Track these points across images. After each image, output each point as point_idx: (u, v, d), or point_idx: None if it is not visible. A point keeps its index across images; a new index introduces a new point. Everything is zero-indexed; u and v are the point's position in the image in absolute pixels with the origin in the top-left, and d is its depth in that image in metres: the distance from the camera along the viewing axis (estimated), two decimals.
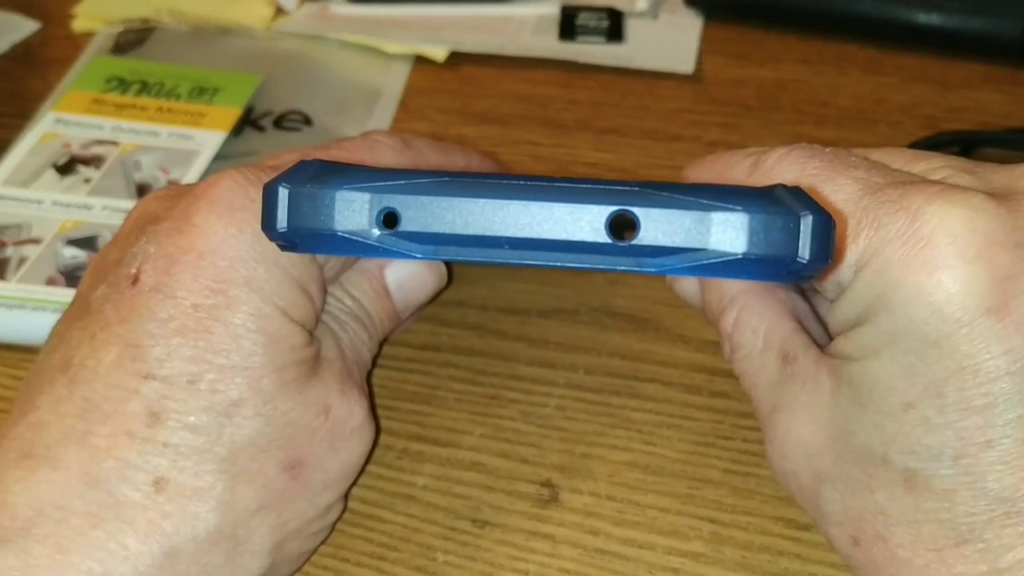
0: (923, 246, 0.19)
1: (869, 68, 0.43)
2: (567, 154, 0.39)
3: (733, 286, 0.26)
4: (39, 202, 0.36)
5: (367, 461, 0.26)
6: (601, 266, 0.19)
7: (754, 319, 0.25)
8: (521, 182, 0.18)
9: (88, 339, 0.22)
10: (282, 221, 0.19)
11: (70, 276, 0.33)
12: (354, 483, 0.26)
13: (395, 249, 0.18)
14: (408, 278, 0.28)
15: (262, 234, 0.22)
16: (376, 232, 0.18)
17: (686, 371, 0.30)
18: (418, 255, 0.19)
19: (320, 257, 0.24)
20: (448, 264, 0.29)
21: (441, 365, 0.31)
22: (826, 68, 0.43)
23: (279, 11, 0.48)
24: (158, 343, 0.21)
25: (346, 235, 0.18)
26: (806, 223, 0.18)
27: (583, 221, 0.18)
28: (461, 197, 0.18)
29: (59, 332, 0.24)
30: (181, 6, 0.47)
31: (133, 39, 0.46)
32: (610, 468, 0.28)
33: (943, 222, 0.19)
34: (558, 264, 0.19)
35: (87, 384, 0.22)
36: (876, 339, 0.20)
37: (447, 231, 0.18)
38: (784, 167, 0.23)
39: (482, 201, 0.18)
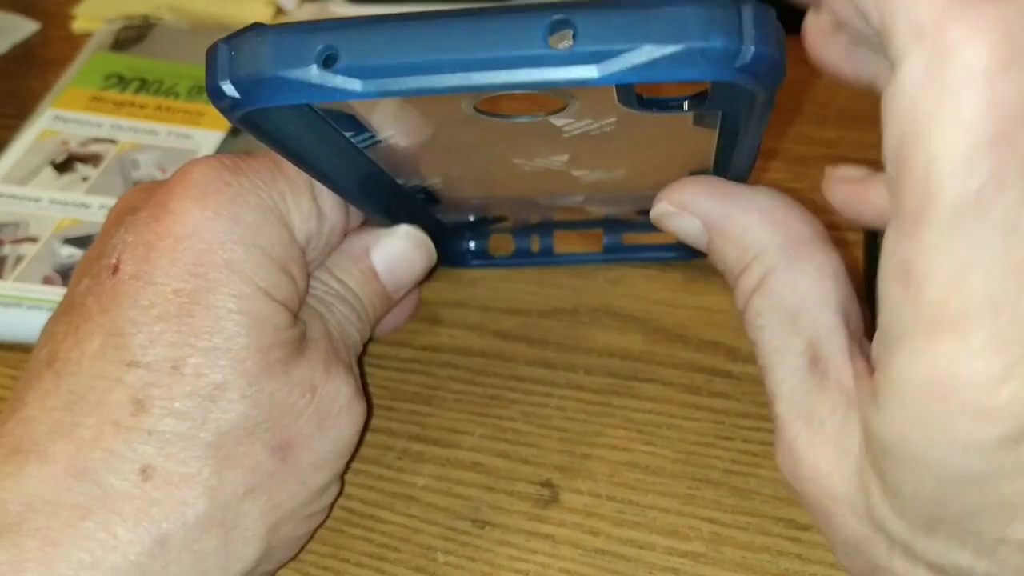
0: None
1: None
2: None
3: (760, 239, 0.22)
4: (36, 200, 0.36)
5: (360, 443, 0.26)
6: (546, 78, 0.18)
7: (784, 290, 0.21)
8: (457, 7, 0.19)
9: (72, 332, 0.22)
10: (224, 73, 0.19)
11: (66, 275, 0.33)
12: (348, 465, 0.26)
13: (338, 87, 0.18)
14: (395, 257, 0.27)
15: (240, 217, 0.22)
16: (316, 71, 0.18)
17: (686, 371, 0.30)
18: (360, 91, 0.18)
19: (302, 238, 0.24)
20: (439, 248, 0.29)
21: (441, 365, 0.31)
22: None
23: (279, 10, 0.48)
24: (140, 330, 0.21)
25: (287, 77, 0.18)
26: (747, 12, 0.18)
27: (523, 34, 0.18)
28: (398, 26, 0.18)
29: (48, 329, 0.24)
30: (181, 3, 0.47)
31: (133, 35, 0.46)
32: (610, 468, 0.28)
33: None
34: (501, 82, 0.18)
35: (72, 376, 0.22)
36: None
37: (388, 62, 0.18)
38: None
39: (420, 27, 0.18)
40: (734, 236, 0.22)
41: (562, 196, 0.30)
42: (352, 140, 0.23)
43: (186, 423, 0.21)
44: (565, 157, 0.25)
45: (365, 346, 0.28)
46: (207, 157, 0.23)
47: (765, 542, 0.26)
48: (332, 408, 0.24)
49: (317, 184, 0.24)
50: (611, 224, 0.33)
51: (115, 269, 0.22)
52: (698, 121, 0.22)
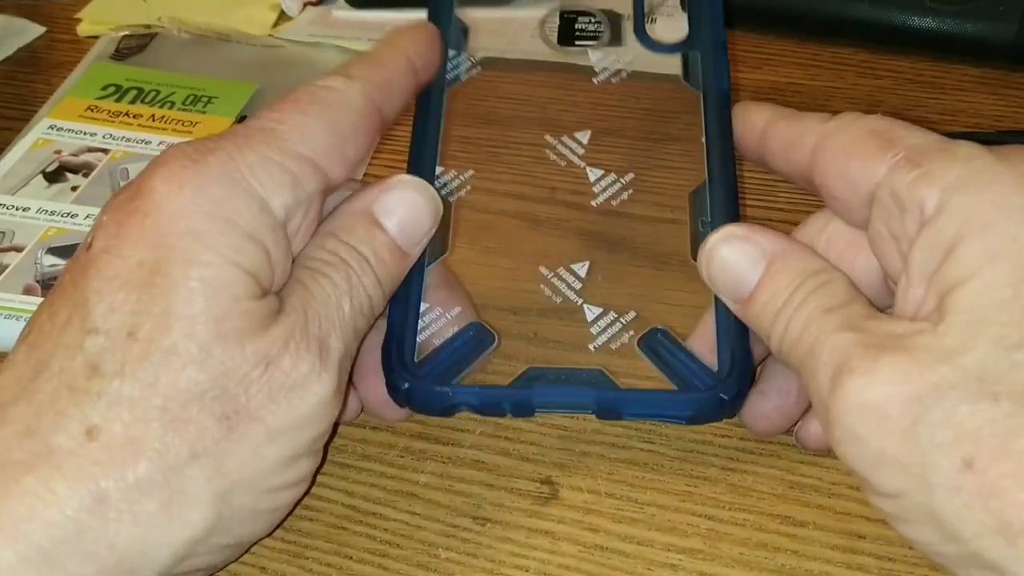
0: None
1: (864, 71, 0.44)
2: (566, 157, 0.40)
3: (818, 261, 0.25)
4: (25, 209, 0.36)
5: (336, 426, 0.26)
6: None
7: (839, 287, 0.24)
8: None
9: (47, 307, 0.23)
10: None
11: (47, 285, 0.33)
12: (328, 444, 0.25)
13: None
14: (400, 206, 0.26)
15: (205, 188, 0.23)
16: None
17: None
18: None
19: (278, 205, 0.24)
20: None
21: None
22: (821, 72, 0.44)
23: (281, 16, 0.48)
24: (103, 300, 0.22)
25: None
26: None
27: None
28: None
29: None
30: (183, 13, 0.48)
31: (134, 45, 0.47)
32: (609, 466, 0.28)
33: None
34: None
35: (41, 347, 0.22)
36: (973, 262, 0.21)
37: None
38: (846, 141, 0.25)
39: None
40: (794, 262, 0.25)
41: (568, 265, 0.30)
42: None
43: (135, 386, 0.22)
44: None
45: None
46: (179, 143, 0.24)
47: (762, 538, 0.26)
48: (287, 379, 0.23)
49: (291, 153, 0.24)
50: (602, 408, 0.27)
51: (89, 246, 0.23)
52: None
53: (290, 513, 0.26)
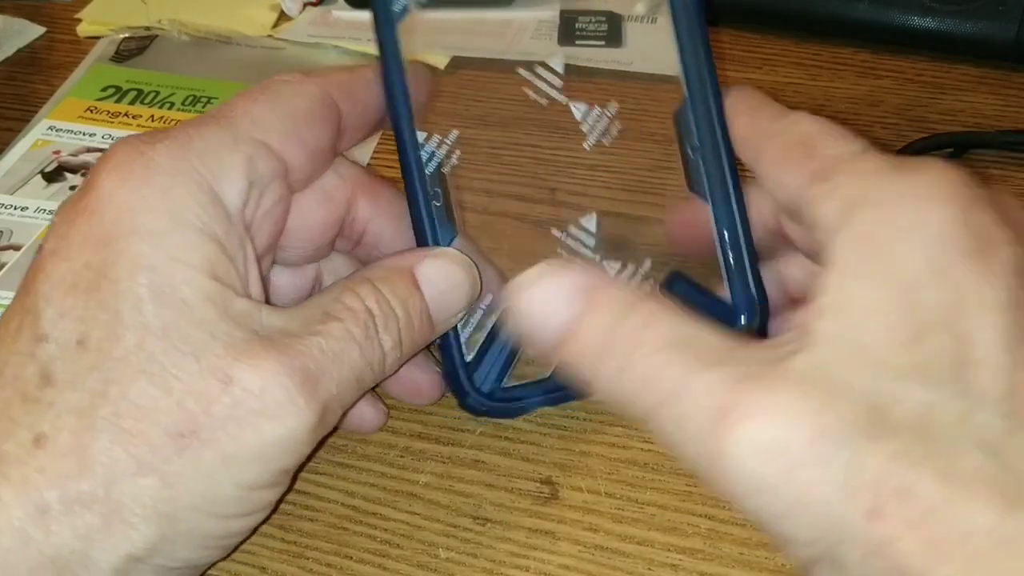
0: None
1: (864, 71, 0.44)
2: (567, 156, 0.40)
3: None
4: (24, 209, 0.37)
5: (314, 452, 0.24)
6: None
7: None
8: None
9: (4, 313, 0.23)
10: None
11: None
12: (295, 477, 0.24)
13: None
14: (442, 277, 0.26)
15: (149, 181, 0.22)
16: None
17: None
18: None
19: (233, 193, 0.23)
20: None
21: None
22: (821, 71, 0.44)
23: (281, 17, 0.48)
24: (51, 305, 0.22)
25: None
26: None
27: None
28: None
29: None
30: (183, 15, 0.48)
31: (134, 47, 0.47)
32: (609, 466, 0.28)
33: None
34: None
35: None
36: (855, 284, 0.20)
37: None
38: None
39: None
40: (615, 291, 0.21)
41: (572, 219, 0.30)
42: None
43: (85, 396, 0.21)
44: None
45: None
46: (128, 136, 0.23)
47: (762, 538, 0.26)
48: (253, 403, 0.22)
49: (243, 137, 0.24)
50: None
51: (40, 249, 0.23)
52: None
53: (248, 538, 0.25)
